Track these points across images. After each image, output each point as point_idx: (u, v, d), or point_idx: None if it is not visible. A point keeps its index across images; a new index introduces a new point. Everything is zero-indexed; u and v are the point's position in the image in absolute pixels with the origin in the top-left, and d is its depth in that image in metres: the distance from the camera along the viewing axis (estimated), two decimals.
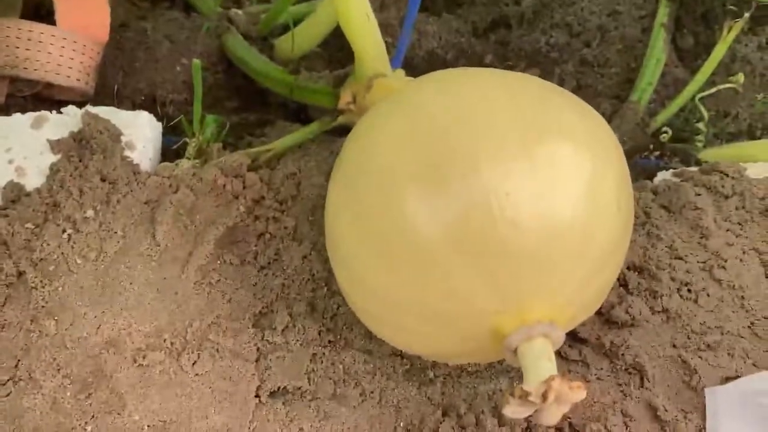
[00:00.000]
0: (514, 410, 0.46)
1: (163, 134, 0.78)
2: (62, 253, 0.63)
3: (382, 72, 0.68)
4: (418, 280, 0.50)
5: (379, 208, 0.51)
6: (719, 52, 0.87)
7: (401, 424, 0.58)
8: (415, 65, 0.99)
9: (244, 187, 0.69)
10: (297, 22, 0.89)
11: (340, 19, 0.66)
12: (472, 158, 0.49)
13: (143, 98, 0.87)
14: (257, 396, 0.59)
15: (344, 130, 0.71)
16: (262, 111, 0.90)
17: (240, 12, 0.93)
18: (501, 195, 0.48)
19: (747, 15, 0.85)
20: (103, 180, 0.68)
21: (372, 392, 0.60)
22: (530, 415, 0.49)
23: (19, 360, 0.59)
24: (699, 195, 0.72)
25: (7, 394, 0.57)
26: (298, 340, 0.62)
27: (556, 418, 0.47)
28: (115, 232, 0.65)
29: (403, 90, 0.59)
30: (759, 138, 0.89)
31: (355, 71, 0.71)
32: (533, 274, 0.49)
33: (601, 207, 0.51)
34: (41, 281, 0.62)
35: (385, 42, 0.88)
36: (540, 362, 0.47)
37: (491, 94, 0.52)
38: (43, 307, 0.61)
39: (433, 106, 0.52)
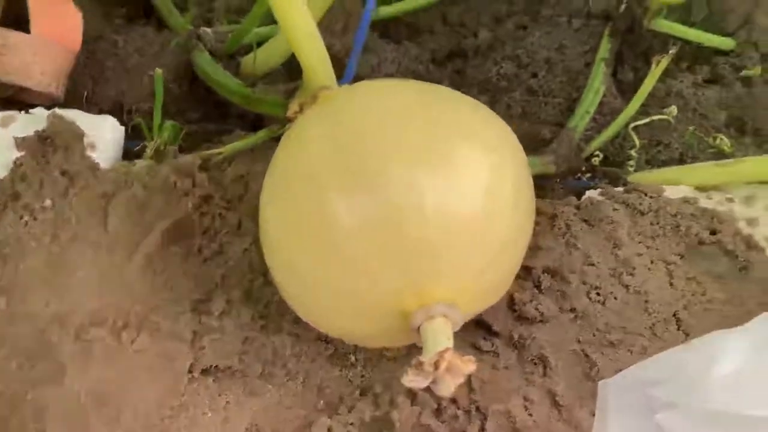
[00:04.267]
0: (411, 379, 0.51)
1: (128, 139, 0.83)
2: (18, 237, 0.68)
3: (327, 84, 0.74)
4: (335, 266, 0.56)
5: (302, 205, 0.57)
6: (648, 84, 0.93)
7: (321, 402, 0.63)
8: None
9: (193, 186, 0.74)
10: (262, 42, 0.95)
11: (287, 37, 0.72)
12: (382, 159, 0.55)
13: (111, 105, 0.92)
14: (190, 372, 0.63)
15: None
16: (222, 121, 0.96)
17: (209, 30, 1.00)
18: (407, 192, 0.54)
19: (672, 52, 0.93)
20: (63, 174, 0.73)
21: (297, 373, 0.64)
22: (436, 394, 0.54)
23: None
24: (616, 210, 0.78)
25: None
26: (232, 324, 0.66)
27: (450, 388, 0.52)
28: (70, 221, 0.70)
29: (331, 98, 0.65)
30: None
31: (303, 84, 0.77)
32: (435, 261, 0.54)
33: (499, 204, 0.56)
34: None
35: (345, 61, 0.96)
36: (437, 337, 0.52)
37: (405, 101, 0.58)
38: None
39: (353, 113, 0.59)
